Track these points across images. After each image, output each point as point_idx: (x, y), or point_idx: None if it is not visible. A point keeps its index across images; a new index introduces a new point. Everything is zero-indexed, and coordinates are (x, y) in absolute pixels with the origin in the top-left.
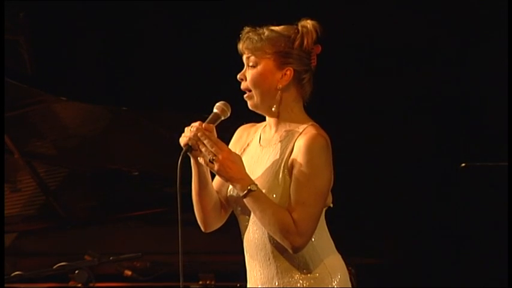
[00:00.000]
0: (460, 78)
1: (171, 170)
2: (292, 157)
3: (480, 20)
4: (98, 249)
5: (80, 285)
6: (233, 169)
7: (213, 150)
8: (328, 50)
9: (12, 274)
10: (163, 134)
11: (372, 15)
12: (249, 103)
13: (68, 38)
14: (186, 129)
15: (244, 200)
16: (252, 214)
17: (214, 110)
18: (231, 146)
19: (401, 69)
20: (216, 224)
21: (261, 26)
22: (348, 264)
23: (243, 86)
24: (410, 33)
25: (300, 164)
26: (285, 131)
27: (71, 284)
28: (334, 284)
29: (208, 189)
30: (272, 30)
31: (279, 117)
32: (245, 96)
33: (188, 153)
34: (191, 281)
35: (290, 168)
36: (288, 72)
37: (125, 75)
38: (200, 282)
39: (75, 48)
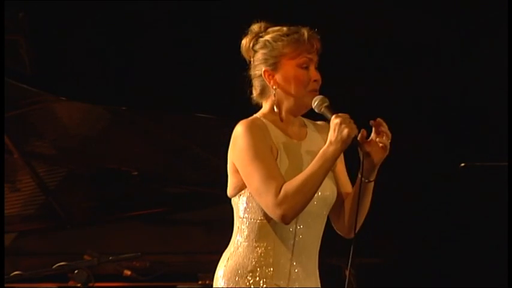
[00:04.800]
0: (460, 79)
1: (170, 170)
2: None
3: (480, 19)
4: (98, 249)
5: (79, 285)
6: None
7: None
8: (329, 49)
9: (12, 274)
10: (163, 134)
11: (372, 14)
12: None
13: (68, 38)
14: (345, 121)
15: (369, 184)
16: (304, 213)
17: (326, 103)
18: (261, 141)
19: (401, 68)
20: None
21: (270, 25)
22: (347, 264)
23: (316, 86)
24: (410, 33)
25: (342, 156)
26: (302, 125)
27: (70, 283)
28: None
29: None
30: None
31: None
32: (315, 93)
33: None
34: (191, 281)
35: None
36: None
37: (125, 75)
38: (200, 282)
39: (75, 48)
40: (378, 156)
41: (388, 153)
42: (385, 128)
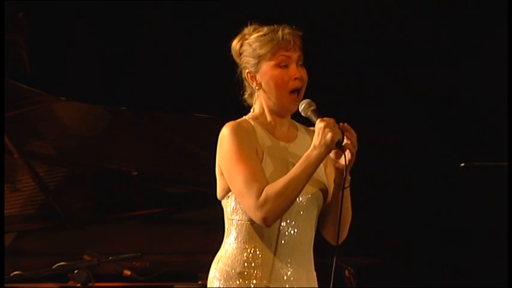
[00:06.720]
0: (460, 78)
1: (170, 170)
2: None
3: (480, 19)
4: (97, 249)
5: (79, 285)
6: None
7: (356, 142)
8: (328, 49)
9: (12, 274)
10: (163, 134)
11: (371, 14)
12: (295, 105)
13: (68, 38)
14: (329, 126)
15: (345, 190)
16: (293, 214)
17: (313, 107)
18: (246, 143)
19: (401, 68)
20: None
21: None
22: (347, 264)
23: (299, 84)
24: (410, 32)
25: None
26: (293, 127)
27: (70, 283)
28: None
29: None
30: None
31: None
32: (296, 96)
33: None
34: (191, 281)
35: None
36: None
37: (124, 75)
38: (200, 282)
39: (74, 48)
40: (341, 163)
41: (388, 153)
42: (351, 136)
